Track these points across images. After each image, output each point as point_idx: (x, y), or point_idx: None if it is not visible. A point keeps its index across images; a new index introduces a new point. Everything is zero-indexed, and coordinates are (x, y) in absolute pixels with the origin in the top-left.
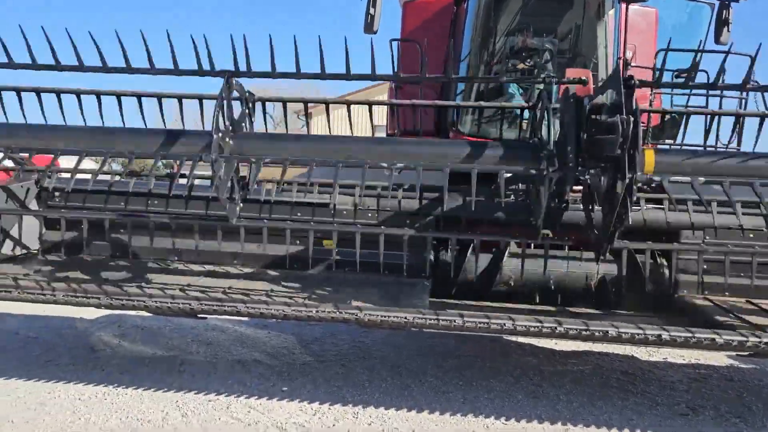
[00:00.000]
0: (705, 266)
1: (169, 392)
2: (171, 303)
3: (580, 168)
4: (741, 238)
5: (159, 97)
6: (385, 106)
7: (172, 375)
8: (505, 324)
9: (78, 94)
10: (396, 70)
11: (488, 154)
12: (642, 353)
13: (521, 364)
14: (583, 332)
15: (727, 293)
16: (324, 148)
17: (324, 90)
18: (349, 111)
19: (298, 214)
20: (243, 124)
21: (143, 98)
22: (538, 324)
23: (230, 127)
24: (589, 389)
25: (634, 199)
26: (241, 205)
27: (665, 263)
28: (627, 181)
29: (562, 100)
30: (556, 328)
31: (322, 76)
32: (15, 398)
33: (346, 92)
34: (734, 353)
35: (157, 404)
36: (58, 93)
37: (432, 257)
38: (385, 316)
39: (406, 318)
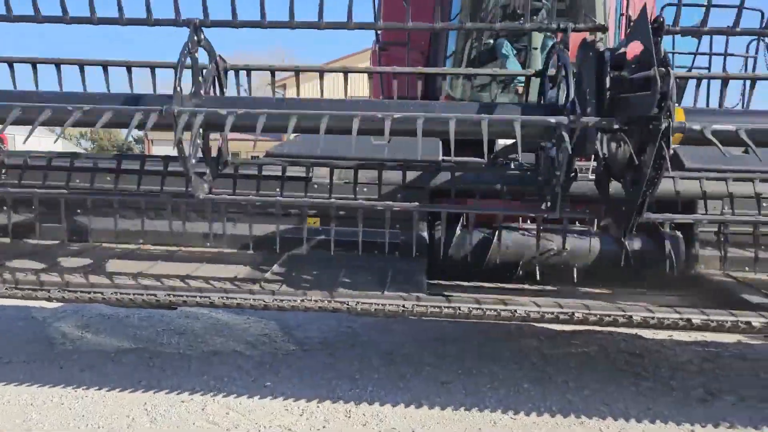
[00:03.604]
0: (725, 239)
1: (136, 392)
2: (134, 294)
3: (605, 128)
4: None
5: (105, 66)
6: (365, 76)
7: (141, 371)
8: (516, 311)
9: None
10: (377, 20)
11: (496, 116)
12: (646, 331)
13: (523, 347)
14: (620, 319)
15: (747, 268)
16: (308, 113)
17: (298, 60)
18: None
19: (276, 189)
20: (211, 87)
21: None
22: (555, 310)
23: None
24: (598, 374)
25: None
26: (212, 179)
27: (682, 237)
28: (662, 144)
29: (580, 54)
30: (573, 313)
31: (292, 24)
32: None
33: (323, 62)
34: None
35: (122, 408)
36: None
37: (426, 234)
38: (380, 305)
39: (404, 306)
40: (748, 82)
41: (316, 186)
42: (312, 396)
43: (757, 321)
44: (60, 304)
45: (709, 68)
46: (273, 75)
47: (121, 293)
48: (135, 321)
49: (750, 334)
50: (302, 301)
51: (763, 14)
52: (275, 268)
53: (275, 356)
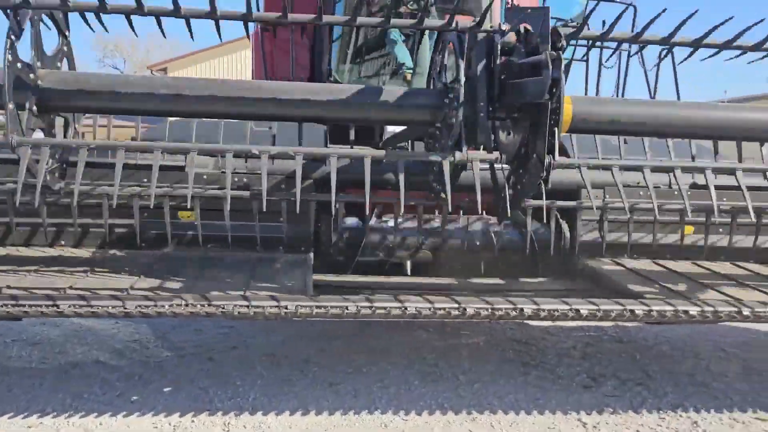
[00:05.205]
0: (608, 226)
1: None
2: None
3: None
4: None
5: None
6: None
7: None
8: (407, 308)
9: None
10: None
11: (384, 100)
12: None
13: (412, 341)
14: (512, 312)
15: (634, 255)
16: (186, 92)
17: (177, 45)
18: None
19: (145, 180)
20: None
21: None
22: (447, 306)
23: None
24: (488, 366)
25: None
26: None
27: (567, 225)
28: (551, 131)
29: (470, 39)
30: (465, 308)
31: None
32: None
33: (204, 47)
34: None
35: None
36: None
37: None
38: (259, 307)
39: (286, 308)
40: (622, 74)
41: (205, 177)
42: (186, 409)
43: (639, 309)
44: None
45: (587, 60)
46: None
47: None
48: None
49: (633, 321)
50: (170, 306)
51: (636, 9)
52: (139, 268)
53: (146, 365)
